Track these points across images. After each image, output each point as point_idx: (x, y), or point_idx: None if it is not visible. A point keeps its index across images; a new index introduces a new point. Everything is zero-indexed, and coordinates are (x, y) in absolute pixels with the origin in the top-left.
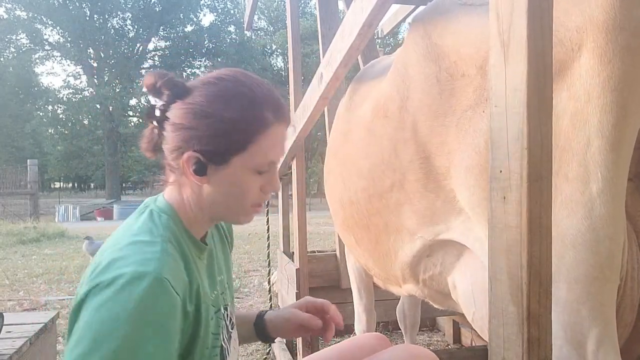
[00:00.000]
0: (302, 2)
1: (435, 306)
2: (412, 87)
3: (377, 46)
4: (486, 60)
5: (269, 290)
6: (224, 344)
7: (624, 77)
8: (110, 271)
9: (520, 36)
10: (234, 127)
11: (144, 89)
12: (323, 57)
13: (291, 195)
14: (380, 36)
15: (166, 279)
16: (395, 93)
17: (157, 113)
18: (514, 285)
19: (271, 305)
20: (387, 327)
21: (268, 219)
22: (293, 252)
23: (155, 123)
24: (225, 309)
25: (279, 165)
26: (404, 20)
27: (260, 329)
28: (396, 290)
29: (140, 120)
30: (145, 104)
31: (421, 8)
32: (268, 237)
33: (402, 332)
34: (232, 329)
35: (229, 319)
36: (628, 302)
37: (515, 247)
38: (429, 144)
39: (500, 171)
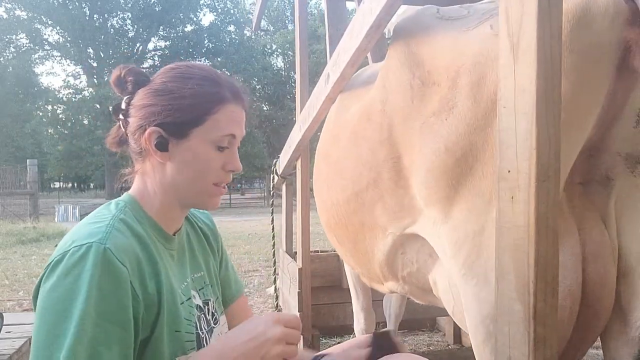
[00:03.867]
0: None
1: (417, 302)
2: (390, 91)
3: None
4: (458, 72)
5: (276, 298)
6: (201, 334)
7: (569, 93)
8: (60, 249)
9: (530, 38)
10: (191, 100)
11: (112, 84)
12: (330, 57)
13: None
14: (387, 36)
15: (108, 249)
16: (378, 97)
17: (123, 106)
18: (521, 283)
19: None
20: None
21: (273, 218)
22: (295, 252)
23: (121, 117)
24: (207, 303)
25: (237, 144)
26: None
27: None
28: (380, 287)
29: None
30: None
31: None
32: (273, 236)
33: (402, 332)
34: (215, 324)
35: (211, 314)
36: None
37: (522, 246)
38: (400, 145)
39: (509, 171)
